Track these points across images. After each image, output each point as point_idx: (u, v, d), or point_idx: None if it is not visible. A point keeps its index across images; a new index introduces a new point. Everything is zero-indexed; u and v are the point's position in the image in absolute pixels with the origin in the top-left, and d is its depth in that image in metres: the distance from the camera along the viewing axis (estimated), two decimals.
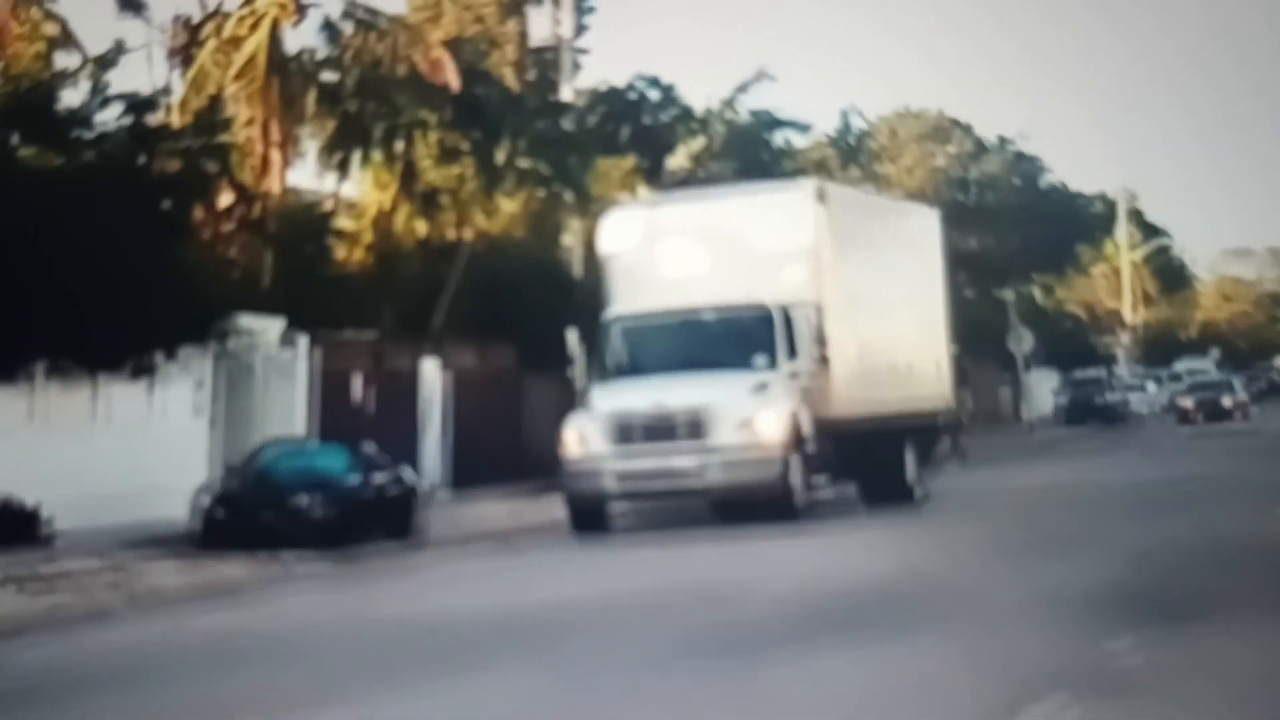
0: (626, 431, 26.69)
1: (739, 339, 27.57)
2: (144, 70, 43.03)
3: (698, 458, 26.23)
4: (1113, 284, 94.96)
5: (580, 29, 55.26)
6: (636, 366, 28.16)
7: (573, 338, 28.95)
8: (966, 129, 77.84)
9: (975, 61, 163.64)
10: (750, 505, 26.61)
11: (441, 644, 15.96)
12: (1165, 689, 11.79)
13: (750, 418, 26.38)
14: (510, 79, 53.63)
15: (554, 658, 14.78)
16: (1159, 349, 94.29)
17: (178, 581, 23.38)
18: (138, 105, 34.88)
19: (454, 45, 47.44)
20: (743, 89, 59.48)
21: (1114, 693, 11.62)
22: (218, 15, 42.40)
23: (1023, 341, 72.22)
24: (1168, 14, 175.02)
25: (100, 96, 34.26)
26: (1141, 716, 10.93)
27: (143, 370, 31.26)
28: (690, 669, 13.59)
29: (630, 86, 57.33)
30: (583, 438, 27.08)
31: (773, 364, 27.19)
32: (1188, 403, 73.53)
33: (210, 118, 38.49)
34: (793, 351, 27.35)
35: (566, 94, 51.03)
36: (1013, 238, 72.36)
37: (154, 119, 35.72)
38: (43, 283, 28.27)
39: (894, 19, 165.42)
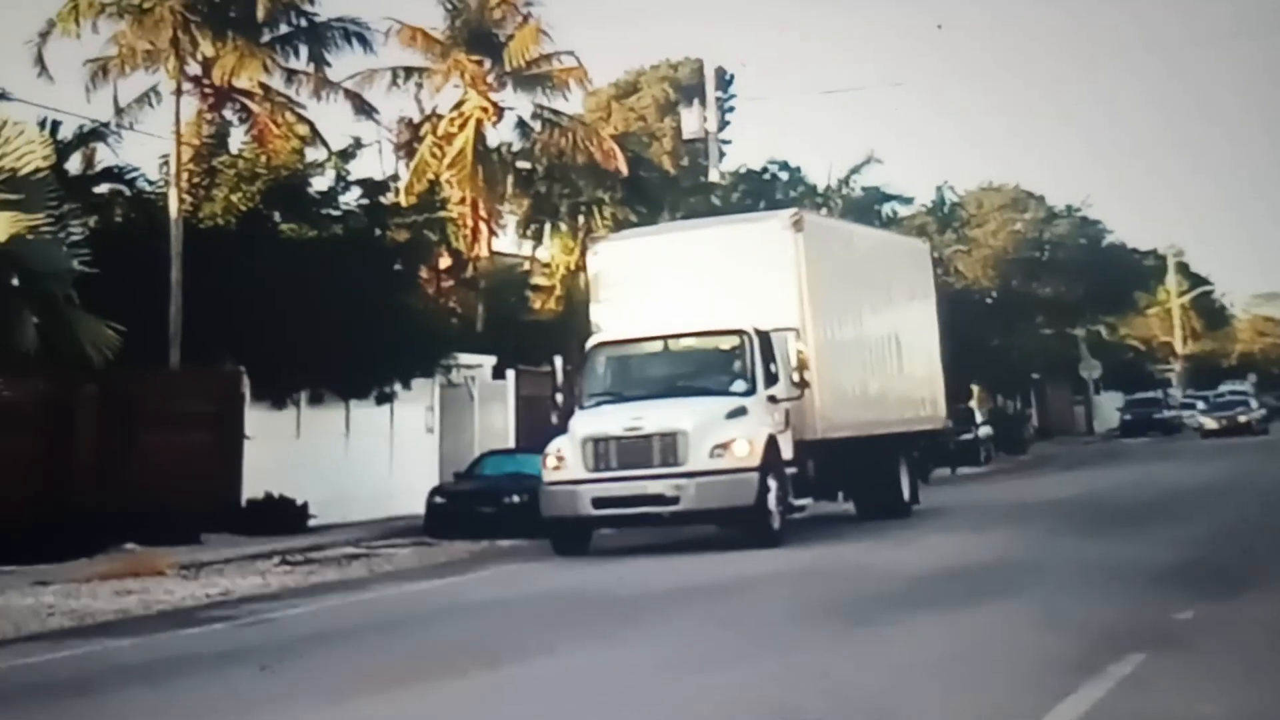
0: (603, 455, 22.13)
1: (718, 364, 23.41)
2: (376, 161, 43.66)
3: (673, 481, 21.72)
4: (1165, 322, 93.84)
5: (723, 124, 55.44)
6: (617, 391, 23.61)
7: (558, 363, 24.47)
8: (1040, 199, 76.70)
9: (1047, 144, 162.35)
10: (727, 527, 22.92)
11: (622, 607, 16.10)
12: (1226, 645, 11.63)
13: (725, 441, 21.83)
14: (668, 165, 53.83)
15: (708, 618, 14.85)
16: (1205, 375, 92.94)
17: (413, 560, 23.66)
18: (372, 188, 35.30)
19: (622, 139, 47.67)
20: (856, 170, 58.95)
21: (1183, 650, 11.39)
22: (433, 117, 42.94)
23: (1092, 369, 71.85)
24: (1206, 98, 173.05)
25: (343, 182, 34.64)
26: (1207, 670, 10.63)
27: (384, 397, 31.80)
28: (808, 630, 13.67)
29: (765, 169, 57.20)
30: (560, 461, 22.51)
31: (751, 388, 22.80)
32: (1209, 420, 69.53)
33: (430, 198, 38.96)
34: (772, 376, 23.00)
35: (713, 176, 51.12)
36: (1080, 286, 71.23)
37: (385, 199, 36.08)
38: (303, 329, 28.70)
39: (979, 113, 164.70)
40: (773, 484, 22.05)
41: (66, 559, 22.29)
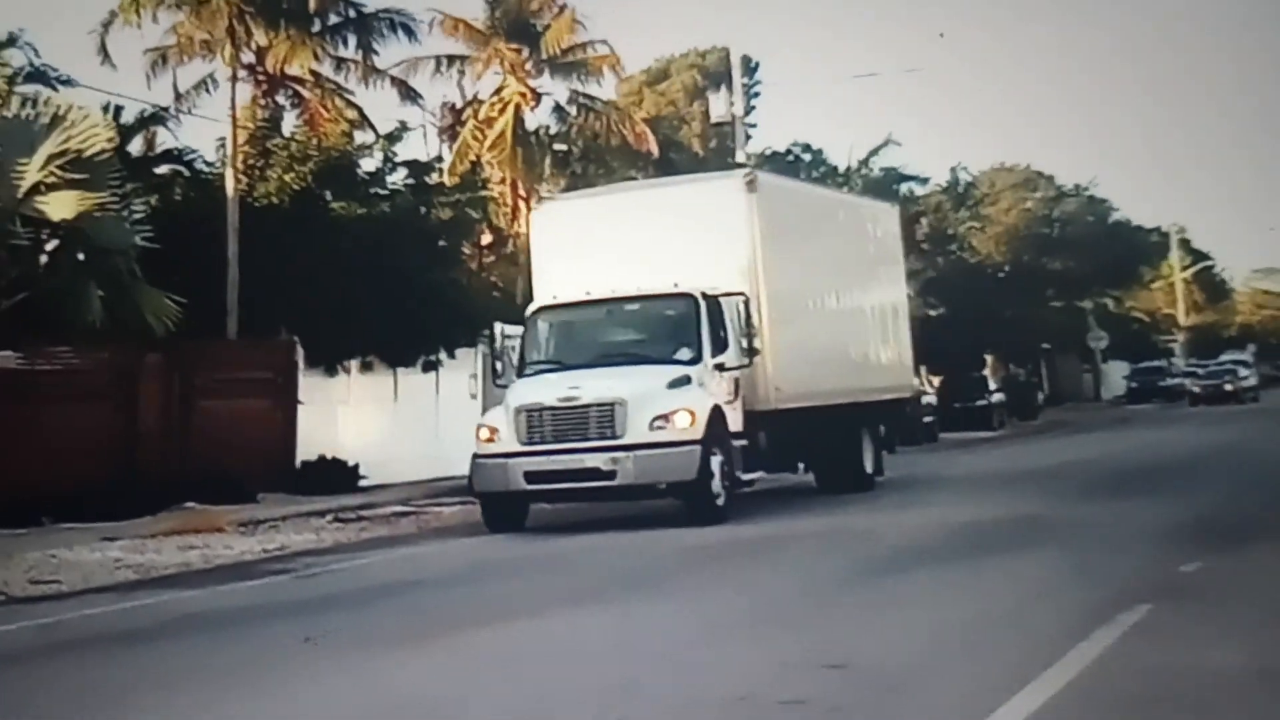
0: (537, 427, 19.56)
1: (663, 330, 20.79)
2: (421, 143, 43.71)
3: (609, 455, 19.18)
4: (1169, 296, 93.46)
5: (749, 109, 55.12)
6: (558, 359, 21.07)
7: (498, 330, 22.16)
8: (1050, 179, 76.16)
9: (1056, 125, 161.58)
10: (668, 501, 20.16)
11: (671, 562, 16.00)
12: (1229, 594, 11.65)
13: (666, 412, 19.24)
14: (697, 147, 53.84)
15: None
16: (1207, 345, 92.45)
17: (459, 517, 23.46)
18: (418, 169, 35.34)
19: (653, 123, 47.84)
20: (875, 152, 59.03)
21: (1189, 599, 11.43)
22: (475, 102, 43.19)
23: (1100, 340, 71.69)
24: (1208, 85, 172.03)
25: (390, 164, 34.66)
26: (1212, 616, 10.65)
27: (430, 365, 31.82)
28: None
29: (789, 151, 57.34)
30: (493, 433, 19.99)
31: (696, 356, 20.14)
32: (1195, 387, 69.08)
33: (472, 178, 39.11)
34: (720, 343, 20.37)
35: (740, 158, 50.85)
36: (1088, 262, 70.72)
37: (430, 179, 36.11)
38: (353, 301, 28.78)
39: (992, 98, 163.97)
40: (717, 457, 19.50)
41: (132, 517, 22.37)
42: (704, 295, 20.48)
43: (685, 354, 20.24)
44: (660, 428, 19.24)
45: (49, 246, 25.55)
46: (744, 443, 20.46)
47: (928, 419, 44.89)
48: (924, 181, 63.67)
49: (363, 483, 28.00)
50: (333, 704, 9.15)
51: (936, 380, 50.00)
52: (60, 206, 24.62)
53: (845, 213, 28.10)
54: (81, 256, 25.42)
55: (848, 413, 23.87)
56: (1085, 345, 72.72)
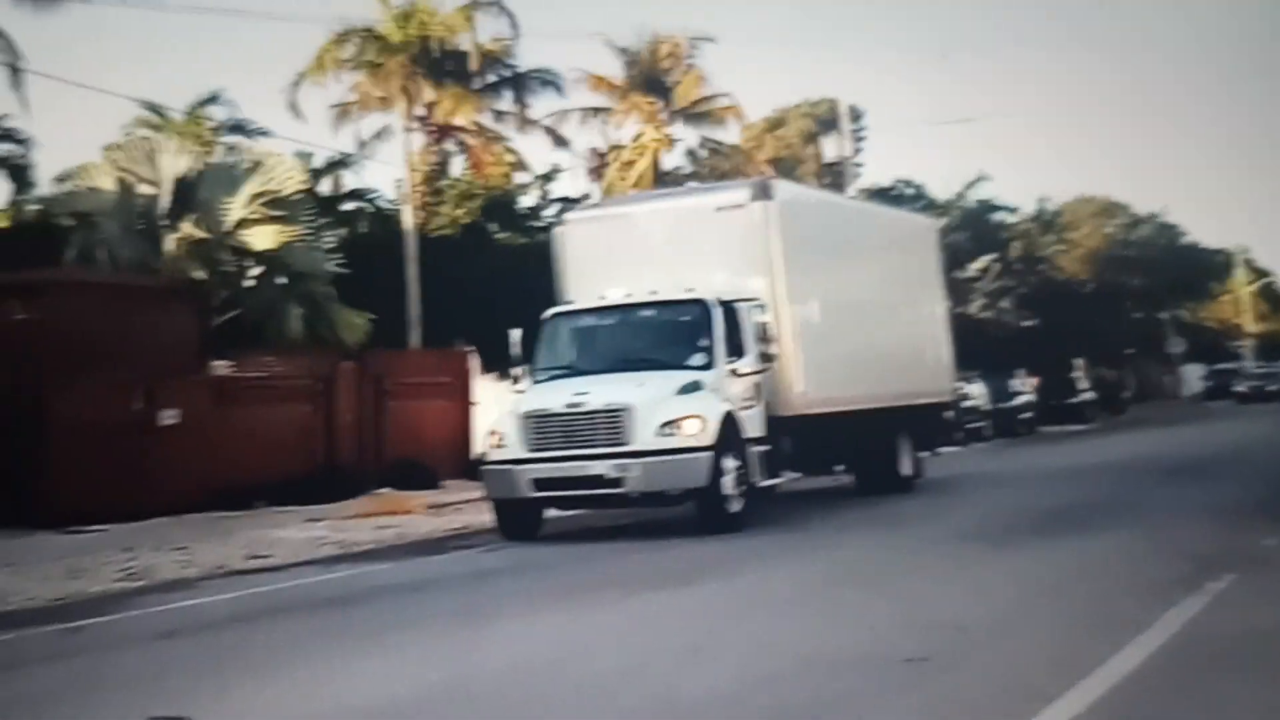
0: (544, 433, 16.85)
1: (677, 336, 17.92)
2: (571, 182, 43.77)
3: (617, 462, 16.45)
4: (1236, 307, 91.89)
5: (857, 150, 54.81)
6: (571, 365, 18.36)
7: (516, 336, 19.18)
8: (1125, 207, 74.94)
9: (1130, 160, 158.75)
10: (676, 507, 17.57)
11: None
12: None
13: (675, 419, 16.49)
14: (813, 184, 53.40)
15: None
16: (1273, 349, 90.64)
17: None
18: (569, 204, 35.33)
19: (774, 163, 47.53)
20: (969, 186, 58.27)
21: (1271, 570, 11.22)
22: (617, 147, 43.16)
23: (1177, 346, 70.47)
24: (1265, 122, 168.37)
25: (545, 200, 34.86)
26: None
27: None
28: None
29: (893, 186, 56.63)
30: (501, 439, 17.32)
31: (709, 362, 17.39)
32: (1243, 387, 66.64)
33: None
34: (737, 348, 17.64)
35: (850, 193, 50.54)
36: (1163, 279, 69.54)
37: None
38: (519, 316, 28.70)
39: (1073, 135, 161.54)
40: (730, 464, 16.72)
41: (333, 501, 22.53)
42: (719, 301, 17.84)
43: (698, 360, 17.53)
44: (669, 434, 16.53)
45: (253, 272, 25.98)
46: (765, 448, 17.77)
47: (1026, 415, 44.37)
48: (1013, 211, 62.78)
49: None
50: (506, 648, 9.25)
51: (1034, 381, 49.09)
52: (262, 238, 25.23)
53: (877, 223, 25.08)
54: (282, 280, 25.80)
55: (881, 417, 21.03)
56: (1164, 350, 71.61)
